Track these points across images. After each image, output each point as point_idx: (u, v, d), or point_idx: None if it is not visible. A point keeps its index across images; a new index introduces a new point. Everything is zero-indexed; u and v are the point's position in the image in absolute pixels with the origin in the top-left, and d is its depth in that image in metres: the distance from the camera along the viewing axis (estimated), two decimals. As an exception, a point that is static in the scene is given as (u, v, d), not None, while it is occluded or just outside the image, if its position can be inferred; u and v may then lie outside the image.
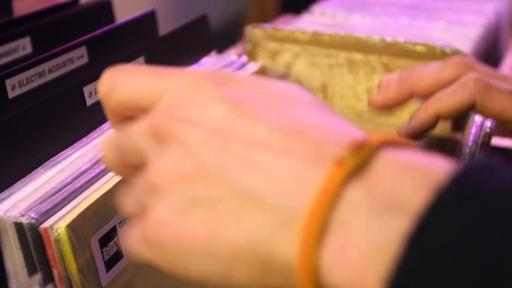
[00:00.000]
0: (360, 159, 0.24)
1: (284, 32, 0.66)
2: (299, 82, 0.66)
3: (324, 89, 0.65)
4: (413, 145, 0.26)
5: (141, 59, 0.50)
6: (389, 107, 0.45)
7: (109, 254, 0.39)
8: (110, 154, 0.30)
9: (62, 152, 0.42)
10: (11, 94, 0.45)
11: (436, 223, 0.21)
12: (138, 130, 0.29)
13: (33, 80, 0.46)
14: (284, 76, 0.67)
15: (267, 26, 0.67)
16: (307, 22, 0.75)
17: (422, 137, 0.44)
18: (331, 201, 0.23)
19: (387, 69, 0.62)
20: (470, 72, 0.44)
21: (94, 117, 0.45)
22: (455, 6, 0.81)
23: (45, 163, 0.40)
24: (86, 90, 0.44)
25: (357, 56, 0.63)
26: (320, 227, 0.23)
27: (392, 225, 0.22)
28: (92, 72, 0.45)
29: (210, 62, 0.57)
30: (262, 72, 0.66)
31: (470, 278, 0.20)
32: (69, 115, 0.43)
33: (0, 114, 0.43)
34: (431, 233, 0.21)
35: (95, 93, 0.45)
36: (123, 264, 0.40)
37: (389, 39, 0.62)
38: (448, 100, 0.42)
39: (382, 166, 0.24)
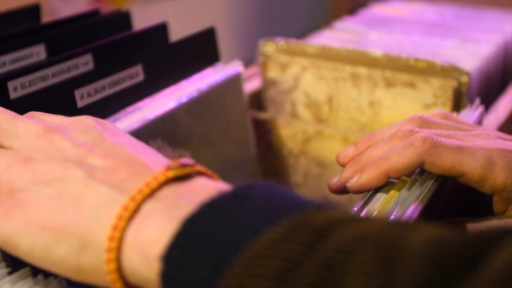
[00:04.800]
0: (180, 172, 0.32)
1: (295, 46, 0.69)
2: (306, 94, 0.68)
3: (330, 101, 0.67)
4: (218, 178, 0.35)
5: (139, 66, 0.53)
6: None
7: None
8: None
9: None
10: (13, 95, 0.48)
11: (194, 227, 0.29)
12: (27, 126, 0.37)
13: (35, 83, 0.50)
14: (293, 88, 0.69)
15: (279, 40, 0.69)
16: (325, 37, 0.77)
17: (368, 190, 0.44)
18: (148, 193, 0.31)
19: (388, 83, 0.63)
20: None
21: (85, 118, 0.48)
22: (475, 24, 0.81)
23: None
24: (78, 93, 0.48)
25: (361, 70, 0.65)
26: (134, 208, 0.30)
27: (178, 217, 0.30)
28: (85, 77, 0.49)
29: (211, 72, 0.60)
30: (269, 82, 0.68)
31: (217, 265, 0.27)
32: (60, 116, 0.47)
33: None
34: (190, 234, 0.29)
35: (87, 96, 0.48)
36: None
37: (392, 54, 0.64)
38: (397, 160, 0.42)
39: (194, 182, 0.33)
